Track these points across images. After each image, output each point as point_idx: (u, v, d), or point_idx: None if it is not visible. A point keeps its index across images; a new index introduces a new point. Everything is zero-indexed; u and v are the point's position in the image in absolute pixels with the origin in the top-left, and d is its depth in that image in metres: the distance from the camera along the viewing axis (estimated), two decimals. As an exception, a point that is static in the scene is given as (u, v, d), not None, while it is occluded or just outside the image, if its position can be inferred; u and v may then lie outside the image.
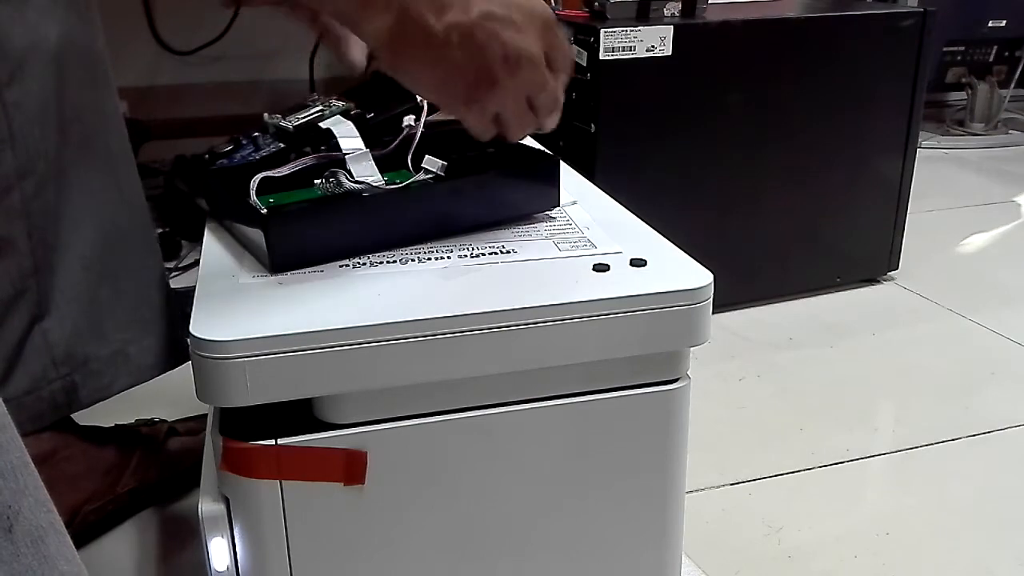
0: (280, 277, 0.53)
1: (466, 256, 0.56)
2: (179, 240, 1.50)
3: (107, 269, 0.77)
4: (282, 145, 0.63)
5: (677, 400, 0.54)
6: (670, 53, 1.15)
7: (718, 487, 0.91)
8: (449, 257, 0.56)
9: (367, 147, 0.59)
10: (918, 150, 1.35)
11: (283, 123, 0.63)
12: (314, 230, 0.54)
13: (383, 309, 0.48)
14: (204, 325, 0.46)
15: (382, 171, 0.58)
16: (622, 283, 0.51)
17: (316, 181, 0.57)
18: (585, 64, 1.15)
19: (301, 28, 0.66)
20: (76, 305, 0.75)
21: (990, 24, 2.21)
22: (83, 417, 0.82)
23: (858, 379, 1.13)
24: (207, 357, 0.45)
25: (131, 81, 1.79)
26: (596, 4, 1.18)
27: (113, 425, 0.87)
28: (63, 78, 0.71)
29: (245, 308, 0.49)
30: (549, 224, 0.61)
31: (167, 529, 0.84)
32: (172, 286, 0.85)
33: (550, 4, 1.27)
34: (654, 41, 1.14)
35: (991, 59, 2.28)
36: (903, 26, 1.27)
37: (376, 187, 0.57)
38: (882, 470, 0.95)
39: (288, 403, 0.47)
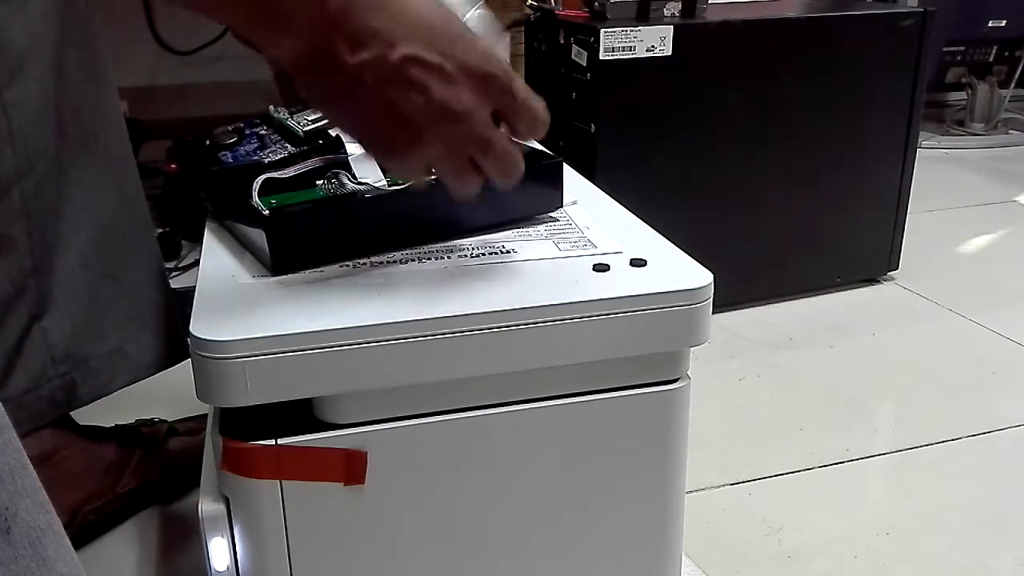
0: (280, 277, 0.53)
1: (466, 256, 0.56)
2: (179, 240, 1.50)
3: (106, 268, 0.77)
4: (289, 149, 0.63)
5: (677, 400, 0.54)
6: (670, 53, 1.15)
7: (718, 487, 0.91)
8: (449, 257, 0.56)
9: None
10: (918, 150, 1.35)
11: (291, 123, 0.63)
12: (315, 232, 0.54)
13: (383, 309, 0.48)
14: (204, 325, 0.46)
15: (385, 172, 0.58)
16: (622, 283, 0.51)
17: (318, 182, 0.57)
18: (585, 64, 1.15)
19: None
20: (75, 304, 0.75)
21: (990, 24, 2.21)
22: (83, 417, 0.82)
23: (858, 379, 1.13)
24: (207, 357, 0.45)
25: (131, 81, 1.79)
26: (596, 4, 1.18)
27: (113, 425, 0.87)
28: (63, 78, 0.71)
29: (245, 308, 0.49)
30: (549, 224, 0.61)
31: (167, 529, 0.84)
32: (172, 286, 0.85)
33: (549, 3, 1.27)
34: (654, 41, 1.14)
35: (991, 59, 2.28)
36: (903, 26, 1.27)
37: (378, 188, 0.56)
38: (882, 470, 0.95)
39: (288, 403, 0.47)
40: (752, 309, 1.31)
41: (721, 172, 1.24)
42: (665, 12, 1.20)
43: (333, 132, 0.61)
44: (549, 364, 0.50)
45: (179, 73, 1.85)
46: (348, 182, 0.57)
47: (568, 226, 0.61)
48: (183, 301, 0.73)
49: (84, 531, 0.80)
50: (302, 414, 0.49)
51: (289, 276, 0.53)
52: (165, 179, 1.58)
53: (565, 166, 0.65)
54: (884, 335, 1.24)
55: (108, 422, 0.87)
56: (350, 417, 0.49)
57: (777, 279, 1.33)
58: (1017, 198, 1.84)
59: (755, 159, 1.25)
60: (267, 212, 0.54)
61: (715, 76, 1.19)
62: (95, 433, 0.83)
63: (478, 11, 0.55)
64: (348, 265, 0.54)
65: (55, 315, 0.74)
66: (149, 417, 0.91)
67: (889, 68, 1.28)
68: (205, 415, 0.61)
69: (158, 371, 0.82)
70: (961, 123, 2.31)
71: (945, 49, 2.24)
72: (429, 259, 0.55)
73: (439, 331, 0.48)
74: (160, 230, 0.83)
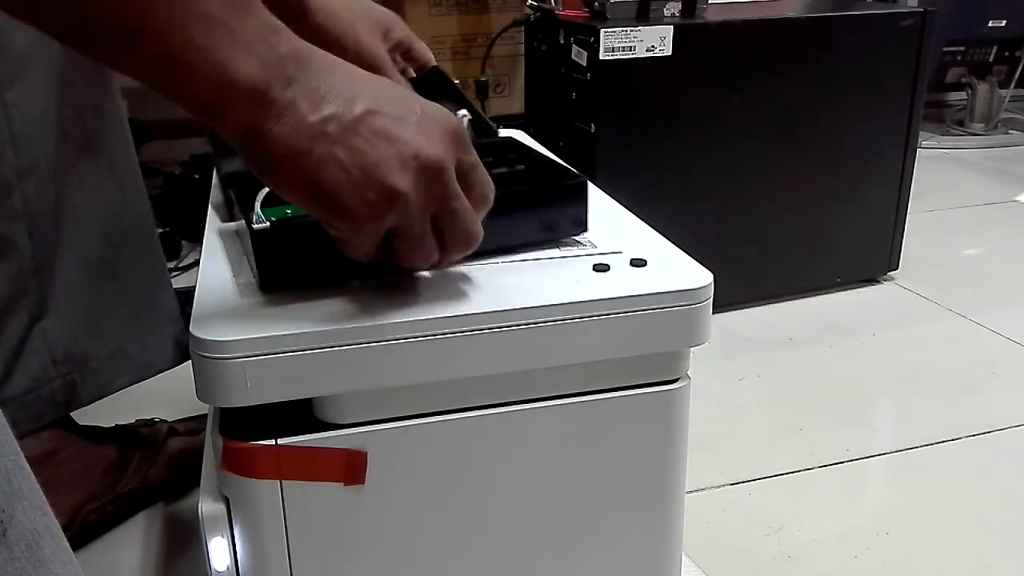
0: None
1: (466, 256, 0.56)
2: (179, 240, 1.50)
3: (108, 268, 0.77)
4: None
5: (677, 400, 0.54)
6: (670, 53, 1.15)
7: (718, 487, 0.91)
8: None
9: None
10: (918, 150, 1.35)
11: None
12: (310, 251, 0.50)
13: (383, 309, 0.48)
14: (204, 325, 0.46)
15: None
16: (622, 283, 0.51)
17: None
18: (585, 64, 1.15)
19: None
20: (76, 304, 0.75)
21: (990, 24, 2.21)
22: (83, 417, 0.82)
23: (858, 379, 1.13)
24: (207, 357, 0.45)
25: (131, 81, 1.79)
26: (596, 4, 1.19)
27: (113, 425, 0.87)
28: (64, 79, 0.71)
29: (245, 308, 0.49)
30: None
31: (167, 529, 0.84)
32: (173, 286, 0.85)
33: (549, 3, 1.27)
34: (654, 41, 1.14)
35: (991, 59, 2.28)
36: (903, 26, 1.27)
37: None
38: (882, 470, 0.95)
39: (288, 403, 0.47)
40: (752, 309, 1.31)
41: (721, 172, 1.24)
42: (665, 12, 1.20)
43: None
44: (549, 364, 0.50)
45: (179, 73, 1.85)
46: None
47: (568, 226, 0.61)
48: (183, 301, 0.73)
49: (84, 531, 0.80)
50: (302, 414, 0.49)
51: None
52: (165, 179, 1.59)
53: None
54: (884, 335, 1.24)
55: (108, 422, 0.87)
56: (350, 417, 0.49)
57: (777, 279, 1.33)
58: (1017, 198, 1.84)
59: (755, 159, 1.25)
60: (257, 227, 0.51)
61: (715, 76, 1.19)
62: (95, 433, 0.83)
63: (463, 116, 0.54)
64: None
65: (56, 316, 0.74)
66: (149, 417, 0.91)
67: (889, 68, 1.28)
68: (205, 415, 0.61)
69: (159, 372, 0.82)
70: (961, 123, 2.31)
71: (945, 49, 2.24)
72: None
73: (439, 331, 0.48)
74: (160, 230, 0.83)
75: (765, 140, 1.25)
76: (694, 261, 0.54)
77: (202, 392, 0.47)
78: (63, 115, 0.71)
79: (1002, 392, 1.09)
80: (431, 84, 0.75)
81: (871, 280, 1.41)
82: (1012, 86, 2.25)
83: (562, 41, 1.21)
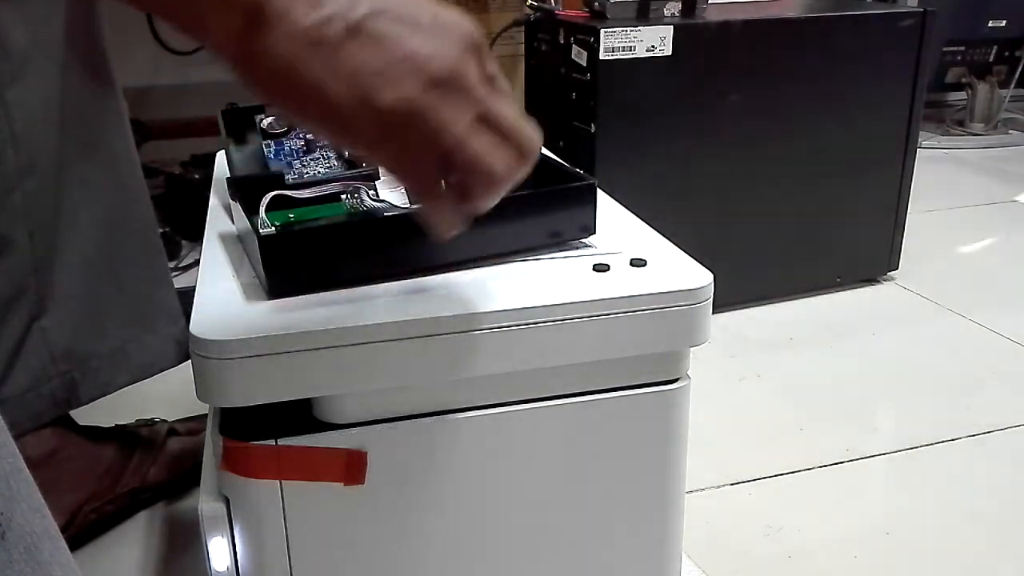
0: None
1: (466, 256, 0.56)
2: (179, 240, 1.50)
3: (108, 267, 0.77)
4: (333, 162, 0.59)
5: (677, 400, 0.54)
6: (670, 53, 1.15)
7: (718, 487, 0.91)
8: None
9: None
10: (918, 150, 1.35)
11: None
12: (319, 255, 0.50)
13: (383, 309, 0.48)
14: (204, 325, 0.46)
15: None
16: (622, 283, 0.51)
17: (342, 196, 0.56)
18: (585, 64, 1.15)
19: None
20: (76, 303, 0.75)
21: (990, 24, 2.21)
22: (83, 417, 0.82)
23: (858, 379, 1.13)
24: (207, 357, 0.45)
25: (131, 81, 1.79)
26: (596, 4, 1.18)
27: (113, 425, 0.87)
28: (65, 77, 0.71)
29: (245, 308, 0.49)
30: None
31: (167, 529, 0.84)
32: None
33: (549, 3, 1.27)
34: (654, 41, 1.14)
35: (991, 59, 2.28)
36: (903, 26, 1.27)
37: (399, 208, 0.54)
38: (882, 470, 0.95)
39: (288, 403, 0.47)
40: (752, 309, 1.31)
41: (721, 172, 1.24)
42: (665, 12, 1.20)
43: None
44: (549, 364, 0.50)
45: (179, 73, 1.85)
46: (368, 199, 0.55)
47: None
48: (183, 301, 0.73)
49: (84, 531, 0.80)
50: (302, 414, 0.49)
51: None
52: (165, 179, 1.59)
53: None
54: (884, 335, 1.24)
55: (108, 422, 0.87)
56: (350, 417, 0.49)
57: (777, 279, 1.33)
58: (1017, 198, 1.84)
59: (755, 159, 1.25)
60: (264, 232, 0.50)
61: (715, 76, 1.19)
62: (95, 433, 0.83)
63: None
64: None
65: (55, 314, 0.74)
66: (149, 417, 0.91)
67: (889, 68, 1.28)
68: (205, 415, 0.61)
69: (159, 371, 0.82)
70: (961, 123, 2.31)
71: (945, 49, 2.24)
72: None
73: (439, 331, 0.48)
74: (160, 230, 0.83)
75: (765, 140, 1.25)
76: (694, 261, 0.54)
77: (202, 392, 0.47)
78: (64, 113, 0.71)
79: (1002, 392, 1.09)
80: None
81: (871, 280, 1.41)
82: (1012, 86, 2.25)
83: (562, 41, 1.21)
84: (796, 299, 1.34)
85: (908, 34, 1.27)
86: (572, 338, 0.50)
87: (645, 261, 0.54)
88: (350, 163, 0.61)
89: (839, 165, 1.30)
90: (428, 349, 0.48)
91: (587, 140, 1.17)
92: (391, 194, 0.56)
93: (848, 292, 1.38)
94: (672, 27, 1.14)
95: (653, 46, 1.14)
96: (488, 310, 0.48)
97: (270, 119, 0.63)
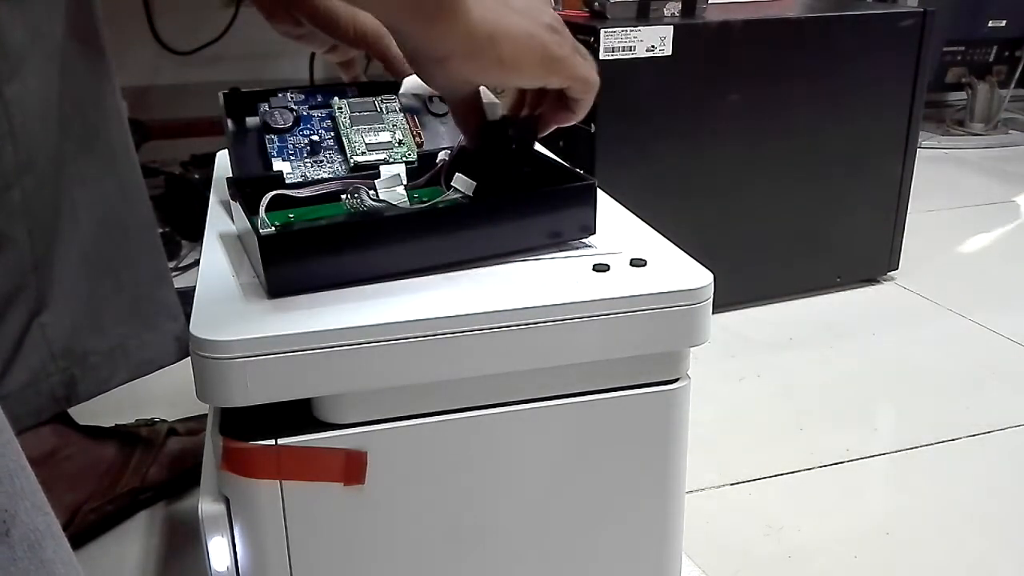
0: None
1: (466, 256, 0.55)
2: (179, 240, 1.50)
3: (107, 264, 0.77)
4: (336, 167, 0.60)
5: (677, 400, 0.54)
6: (670, 53, 1.15)
7: (718, 487, 0.91)
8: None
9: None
10: (918, 150, 1.35)
11: (351, 138, 0.60)
12: (320, 255, 0.50)
13: (383, 309, 0.48)
14: (204, 325, 0.46)
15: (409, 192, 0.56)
16: (622, 283, 0.51)
17: (342, 196, 0.56)
18: (585, 64, 1.15)
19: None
20: (75, 300, 0.75)
21: (990, 24, 2.21)
22: (83, 417, 0.82)
23: (858, 379, 1.13)
24: (207, 357, 0.45)
25: (131, 81, 1.79)
26: (596, 4, 1.19)
27: (113, 425, 0.87)
28: (64, 74, 0.71)
29: (245, 308, 0.49)
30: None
31: (167, 529, 0.84)
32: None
33: (550, 3, 1.27)
34: (654, 41, 1.14)
35: (991, 59, 2.28)
36: (903, 26, 1.27)
37: (399, 208, 0.54)
38: (882, 470, 0.95)
39: (288, 403, 0.47)
40: (752, 309, 1.31)
41: (721, 172, 1.24)
42: (665, 12, 1.20)
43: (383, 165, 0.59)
44: (549, 364, 0.50)
45: (179, 73, 1.86)
46: (368, 199, 0.55)
47: (568, 226, 0.60)
48: (183, 300, 0.73)
49: (84, 531, 0.80)
50: (302, 414, 0.49)
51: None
52: (165, 179, 1.59)
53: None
54: (884, 335, 1.24)
55: (108, 422, 0.87)
56: (350, 417, 0.49)
57: (777, 279, 1.33)
58: (1017, 198, 1.84)
59: (755, 159, 1.25)
60: (264, 232, 0.50)
61: (715, 76, 1.19)
62: (95, 433, 0.83)
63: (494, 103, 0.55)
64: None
65: (55, 311, 0.74)
66: (149, 417, 0.91)
67: (889, 68, 1.28)
68: (205, 415, 0.61)
69: (159, 368, 0.82)
70: (961, 123, 2.31)
71: (945, 49, 2.24)
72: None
73: (439, 331, 0.48)
74: (160, 230, 0.83)
75: (765, 140, 1.25)
76: (694, 261, 0.54)
77: (202, 392, 0.47)
78: (63, 110, 0.71)
79: (1002, 392, 1.09)
80: None
81: (871, 280, 1.41)
82: (1012, 86, 2.25)
83: (562, 41, 1.21)
84: (796, 299, 1.34)
85: (908, 34, 1.27)
86: (572, 338, 0.50)
87: (645, 261, 0.54)
88: (354, 166, 0.61)
89: (839, 165, 1.30)
90: (428, 349, 0.48)
91: (587, 140, 1.17)
92: (391, 194, 0.56)
93: (848, 292, 1.38)
94: (672, 27, 1.14)
95: (653, 46, 1.14)
96: (488, 310, 0.48)
97: (276, 102, 0.62)
